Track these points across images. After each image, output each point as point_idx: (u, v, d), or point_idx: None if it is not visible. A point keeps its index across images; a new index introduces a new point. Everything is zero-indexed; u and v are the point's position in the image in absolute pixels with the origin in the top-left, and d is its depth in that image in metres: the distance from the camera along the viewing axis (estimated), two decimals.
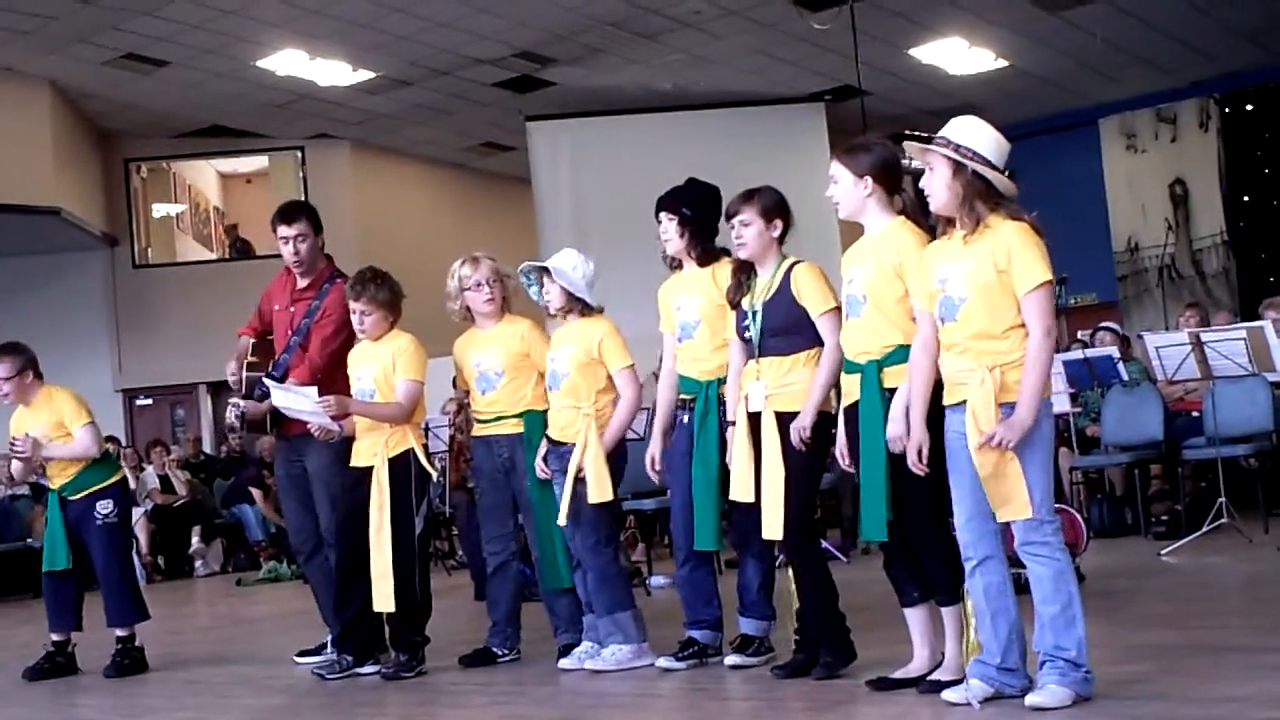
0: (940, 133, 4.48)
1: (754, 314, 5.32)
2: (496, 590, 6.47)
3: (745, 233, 5.34)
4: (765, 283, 5.35)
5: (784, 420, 5.17)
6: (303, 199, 7.15)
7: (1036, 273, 4.28)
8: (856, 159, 4.91)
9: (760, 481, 5.23)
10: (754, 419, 5.30)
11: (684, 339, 5.82)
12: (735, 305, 5.45)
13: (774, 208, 5.37)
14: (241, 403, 6.77)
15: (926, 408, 4.54)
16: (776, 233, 5.36)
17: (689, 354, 5.80)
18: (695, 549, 5.73)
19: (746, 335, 5.35)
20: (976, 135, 4.43)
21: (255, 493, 15.29)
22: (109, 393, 18.02)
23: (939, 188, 4.44)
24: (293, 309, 6.88)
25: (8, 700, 6.70)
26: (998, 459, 4.25)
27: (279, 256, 6.90)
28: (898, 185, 4.98)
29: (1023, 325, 4.30)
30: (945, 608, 4.81)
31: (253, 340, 7.04)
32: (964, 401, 4.36)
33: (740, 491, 5.33)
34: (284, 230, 6.84)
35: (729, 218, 5.43)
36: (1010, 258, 4.29)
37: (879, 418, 4.70)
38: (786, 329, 5.25)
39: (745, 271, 5.43)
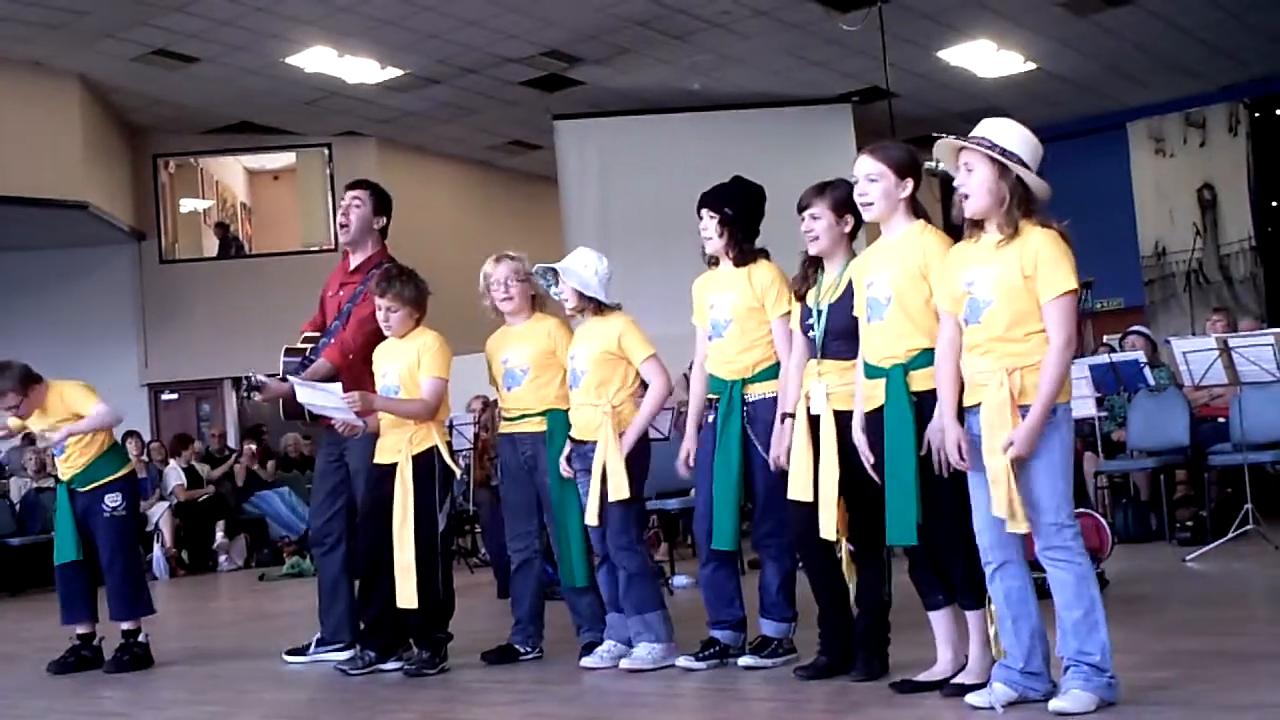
0: (975, 132, 4.44)
1: (819, 313, 5.20)
2: (519, 588, 6.48)
3: (815, 226, 5.22)
4: (832, 281, 5.22)
5: (843, 419, 5.06)
6: (374, 181, 7.11)
7: (1061, 281, 4.25)
8: (899, 159, 4.86)
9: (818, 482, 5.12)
10: (815, 421, 5.17)
11: (714, 337, 5.78)
12: (800, 298, 5.35)
13: (846, 202, 5.18)
14: (255, 374, 6.64)
15: (956, 407, 4.49)
16: (847, 228, 5.25)
17: (717, 353, 5.76)
18: (712, 549, 5.71)
19: (810, 334, 5.24)
20: (1014, 137, 4.39)
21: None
22: (135, 387, 18.11)
23: (979, 189, 4.38)
24: (340, 293, 6.89)
25: (31, 693, 6.73)
26: (1003, 467, 4.23)
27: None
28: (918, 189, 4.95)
29: (1045, 330, 4.27)
30: (969, 611, 4.78)
31: (308, 332, 7.01)
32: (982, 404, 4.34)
33: (798, 490, 5.20)
34: (345, 196, 6.98)
35: (800, 210, 5.29)
36: (1037, 264, 4.26)
37: (907, 422, 4.66)
38: (850, 332, 5.06)
39: (814, 265, 5.31)
